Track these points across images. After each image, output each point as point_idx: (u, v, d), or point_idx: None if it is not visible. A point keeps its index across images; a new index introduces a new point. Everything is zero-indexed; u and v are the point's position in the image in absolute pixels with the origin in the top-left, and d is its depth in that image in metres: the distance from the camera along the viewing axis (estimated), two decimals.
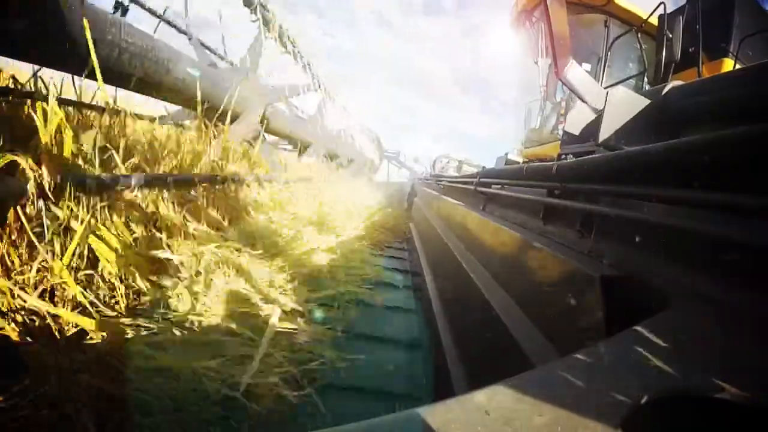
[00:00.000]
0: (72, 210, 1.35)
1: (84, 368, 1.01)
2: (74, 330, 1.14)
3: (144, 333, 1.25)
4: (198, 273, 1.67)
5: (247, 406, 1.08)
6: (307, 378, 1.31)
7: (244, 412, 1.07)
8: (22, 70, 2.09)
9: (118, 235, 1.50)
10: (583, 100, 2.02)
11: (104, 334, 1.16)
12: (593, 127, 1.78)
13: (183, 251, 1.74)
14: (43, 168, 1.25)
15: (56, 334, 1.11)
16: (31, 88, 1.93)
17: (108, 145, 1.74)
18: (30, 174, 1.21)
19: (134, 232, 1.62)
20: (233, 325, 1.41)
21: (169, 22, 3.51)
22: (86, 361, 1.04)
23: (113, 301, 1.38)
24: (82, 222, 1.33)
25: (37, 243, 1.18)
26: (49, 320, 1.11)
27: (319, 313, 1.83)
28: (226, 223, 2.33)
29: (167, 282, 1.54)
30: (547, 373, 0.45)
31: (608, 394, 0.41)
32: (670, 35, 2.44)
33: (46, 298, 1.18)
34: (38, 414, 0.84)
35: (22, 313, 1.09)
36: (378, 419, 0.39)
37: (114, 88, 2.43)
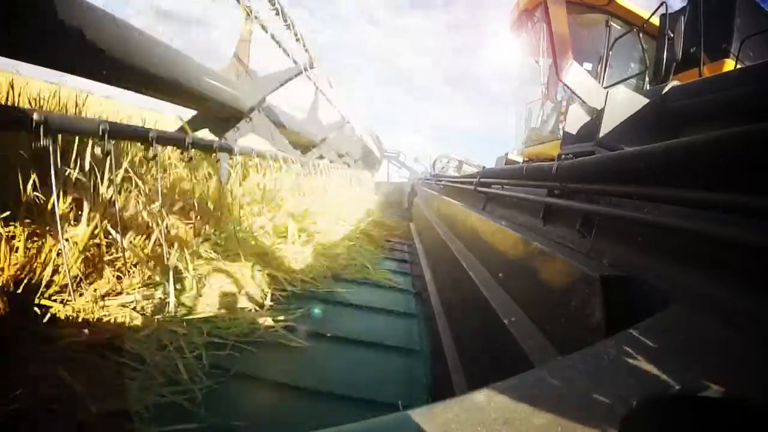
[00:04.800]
0: None
1: None
2: None
3: None
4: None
5: None
6: None
7: None
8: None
9: None
10: (582, 101, 2.02)
11: None
12: (593, 126, 1.78)
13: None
14: None
15: None
16: None
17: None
18: None
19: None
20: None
21: None
22: None
23: None
24: None
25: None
26: None
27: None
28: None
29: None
30: (547, 373, 0.45)
31: (607, 394, 0.41)
32: (672, 35, 2.44)
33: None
34: None
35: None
36: (377, 419, 0.39)
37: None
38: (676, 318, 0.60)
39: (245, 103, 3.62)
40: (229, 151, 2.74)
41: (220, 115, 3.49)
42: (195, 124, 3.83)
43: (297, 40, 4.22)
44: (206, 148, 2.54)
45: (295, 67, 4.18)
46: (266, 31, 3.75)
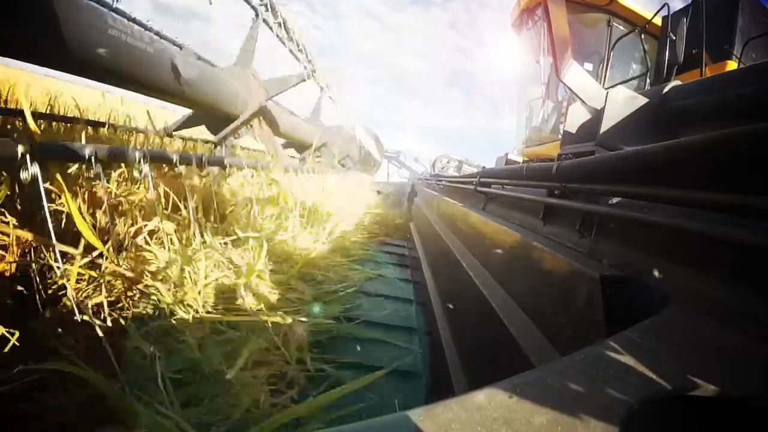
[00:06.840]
0: None
1: None
2: None
3: None
4: None
5: None
6: None
7: None
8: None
9: None
10: (582, 101, 2.02)
11: None
12: (593, 126, 1.78)
13: None
14: None
15: None
16: None
17: None
18: None
19: None
20: None
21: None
22: None
23: None
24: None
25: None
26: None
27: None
28: None
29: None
30: (547, 373, 0.45)
31: (607, 394, 0.41)
32: (674, 36, 2.43)
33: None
34: None
35: None
36: (377, 419, 0.39)
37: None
38: (676, 318, 0.60)
39: (246, 106, 3.63)
40: (220, 163, 2.64)
41: (219, 115, 3.51)
42: (194, 121, 3.83)
43: (300, 50, 4.27)
44: (197, 163, 2.41)
45: (300, 74, 4.22)
46: (272, 30, 3.79)
